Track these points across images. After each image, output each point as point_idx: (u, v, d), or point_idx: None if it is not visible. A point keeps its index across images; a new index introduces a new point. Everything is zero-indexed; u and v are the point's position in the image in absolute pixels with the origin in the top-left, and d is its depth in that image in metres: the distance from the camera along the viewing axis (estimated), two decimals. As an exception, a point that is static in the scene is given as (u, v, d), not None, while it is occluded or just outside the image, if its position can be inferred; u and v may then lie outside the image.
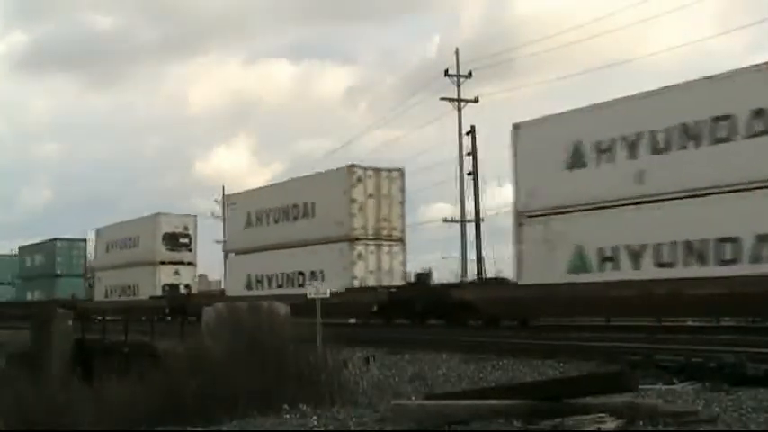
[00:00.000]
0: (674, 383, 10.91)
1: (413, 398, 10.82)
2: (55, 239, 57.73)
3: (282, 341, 12.63)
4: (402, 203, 30.30)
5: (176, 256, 43.92)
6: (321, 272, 28.48)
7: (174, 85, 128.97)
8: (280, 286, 31.95)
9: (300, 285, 28.02)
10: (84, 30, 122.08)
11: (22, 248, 64.02)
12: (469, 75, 40.45)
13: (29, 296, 59.80)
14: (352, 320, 29.86)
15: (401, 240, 30.27)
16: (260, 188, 36.82)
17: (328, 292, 18.05)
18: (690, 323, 21.77)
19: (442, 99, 40.14)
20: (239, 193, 37.38)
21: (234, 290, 34.78)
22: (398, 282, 29.41)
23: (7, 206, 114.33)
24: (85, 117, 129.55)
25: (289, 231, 32.03)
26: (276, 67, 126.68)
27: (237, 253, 36.25)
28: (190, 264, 44.69)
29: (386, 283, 29.03)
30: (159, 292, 42.22)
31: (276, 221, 33.03)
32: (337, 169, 30.18)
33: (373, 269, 29.23)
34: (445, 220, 39.95)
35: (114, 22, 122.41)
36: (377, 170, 29.74)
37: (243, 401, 10.95)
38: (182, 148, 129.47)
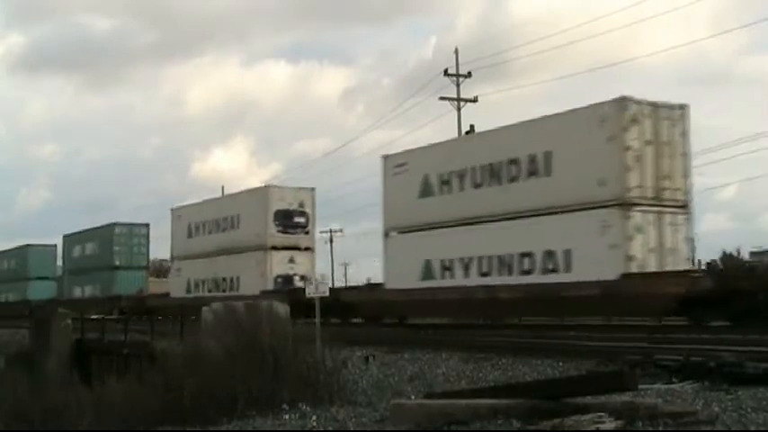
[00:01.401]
0: (673, 383, 10.90)
1: (412, 397, 10.81)
2: (113, 224, 50.21)
3: (281, 341, 12.61)
4: (686, 155, 21.16)
5: (291, 239, 34.09)
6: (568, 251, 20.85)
7: (171, 86, 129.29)
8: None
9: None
10: (82, 32, 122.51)
11: (67, 237, 56.44)
12: (469, 74, 40.56)
13: (77, 293, 52.27)
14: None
15: (686, 207, 21.11)
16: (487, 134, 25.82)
17: (327, 291, 17.85)
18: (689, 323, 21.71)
19: (442, 98, 40.20)
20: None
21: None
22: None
23: (6, 207, 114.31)
24: (84, 118, 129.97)
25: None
26: (274, 68, 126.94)
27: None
28: (308, 249, 34.77)
29: (669, 267, 20.30)
30: (271, 286, 32.85)
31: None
32: (602, 103, 20.64)
33: (654, 246, 20.35)
34: None
35: (112, 24, 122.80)
36: (654, 106, 20.84)
37: (242, 402, 10.94)
38: (180, 149, 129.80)
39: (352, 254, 78.94)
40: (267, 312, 13.54)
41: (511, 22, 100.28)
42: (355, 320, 28.11)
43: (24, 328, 31.66)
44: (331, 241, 67.43)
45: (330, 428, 9.07)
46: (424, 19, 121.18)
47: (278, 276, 33.45)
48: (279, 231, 33.82)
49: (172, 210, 41.21)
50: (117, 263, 48.79)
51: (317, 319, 16.25)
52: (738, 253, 33.73)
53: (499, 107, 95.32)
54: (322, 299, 24.87)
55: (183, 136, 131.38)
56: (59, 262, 58.95)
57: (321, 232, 57.21)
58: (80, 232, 54.60)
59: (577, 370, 12.90)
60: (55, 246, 60.73)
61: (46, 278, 59.63)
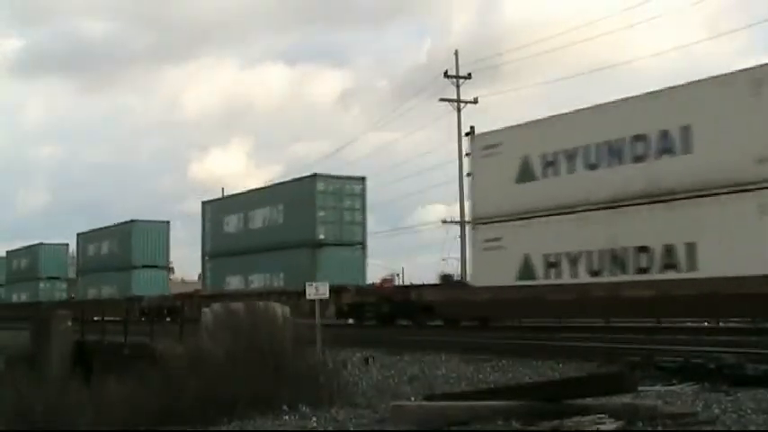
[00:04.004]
0: (673, 384, 10.90)
1: (412, 399, 10.81)
2: (132, 221, 47.73)
3: (281, 342, 12.62)
4: None
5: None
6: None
7: (169, 88, 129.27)
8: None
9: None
10: (79, 35, 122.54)
11: (81, 235, 54.01)
12: (469, 76, 40.54)
13: (90, 293, 50.20)
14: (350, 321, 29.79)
15: None
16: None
17: (327, 292, 17.85)
18: (689, 324, 21.76)
19: (442, 100, 40.22)
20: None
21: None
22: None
23: (4, 208, 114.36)
24: (82, 120, 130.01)
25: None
26: (271, 70, 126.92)
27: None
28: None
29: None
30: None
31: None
32: (760, 66, 17.51)
33: None
34: (444, 222, 39.82)
35: (109, 28, 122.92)
36: None
37: (242, 402, 10.94)
38: (178, 150, 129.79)
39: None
40: (266, 313, 13.55)
41: (505, 25, 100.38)
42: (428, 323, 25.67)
43: (25, 330, 31.66)
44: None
45: (330, 429, 9.08)
46: (419, 22, 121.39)
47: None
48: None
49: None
50: (136, 262, 46.32)
51: (317, 320, 16.25)
52: None
53: (496, 109, 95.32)
54: (389, 298, 24.60)
55: (180, 138, 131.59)
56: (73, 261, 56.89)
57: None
58: (97, 231, 52.01)
59: (577, 371, 12.89)
60: (67, 245, 59.14)
61: (57, 278, 58.46)
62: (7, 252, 66.95)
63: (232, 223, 38.06)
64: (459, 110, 39.98)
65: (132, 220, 47.85)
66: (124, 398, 13.62)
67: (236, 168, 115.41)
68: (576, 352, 15.01)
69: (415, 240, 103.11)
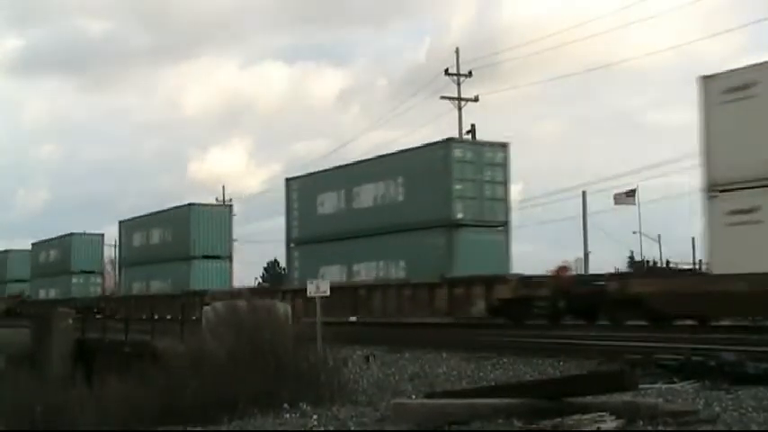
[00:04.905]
0: (674, 382, 10.90)
1: (413, 397, 10.81)
2: (190, 204, 42.02)
3: (282, 340, 12.63)
4: None
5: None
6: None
7: (168, 87, 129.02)
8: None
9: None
10: (78, 34, 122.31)
11: (124, 223, 48.34)
12: (470, 74, 40.54)
13: (135, 288, 45.09)
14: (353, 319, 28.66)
15: None
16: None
17: (328, 290, 17.73)
18: (689, 323, 21.73)
19: (443, 98, 40.24)
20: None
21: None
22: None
23: (5, 207, 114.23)
24: (82, 119, 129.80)
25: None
26: (271, 69, 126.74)
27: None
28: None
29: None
30: None
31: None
32: None
33: None
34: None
35: (108, 27, 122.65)
36: None
37: (243, 401, 10.95)
38: (178, 149, 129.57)
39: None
40: (268, 312, 13.56)
41: (504, 23, 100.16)
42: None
43: (25, 328, 31.67)
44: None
45: (331, 428, 9.07)
46: (418, 21, 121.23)
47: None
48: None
49: None
50: (194, 253, 40.25)
51: (318, 318, 16.22)
52: None
53: (494, 107, 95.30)
54: (567, 291, 20.11)
55: (180, 137, 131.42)
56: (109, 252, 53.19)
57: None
58: (140, 217, 46.34)
59: (578, 369, 12.89)
60: (102, 235, 54.28)
61: (92, 272, 53.80)
62: (32, 244, 61.37)
63: (330, 202, 31.33)
64: (459, 108, 40.01)
65: (191, 204, 42.27)
66: (125, 397, 13.63)
67: (237, 167, 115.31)
68: (576, 350, 14.99)
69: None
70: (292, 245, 33.38)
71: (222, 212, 43.11)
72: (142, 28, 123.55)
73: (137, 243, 45.88)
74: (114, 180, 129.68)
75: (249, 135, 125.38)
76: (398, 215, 27.56)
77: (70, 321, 28.40)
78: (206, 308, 19.22)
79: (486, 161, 26.72)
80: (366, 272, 29.18)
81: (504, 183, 27.10)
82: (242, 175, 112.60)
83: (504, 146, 27.42)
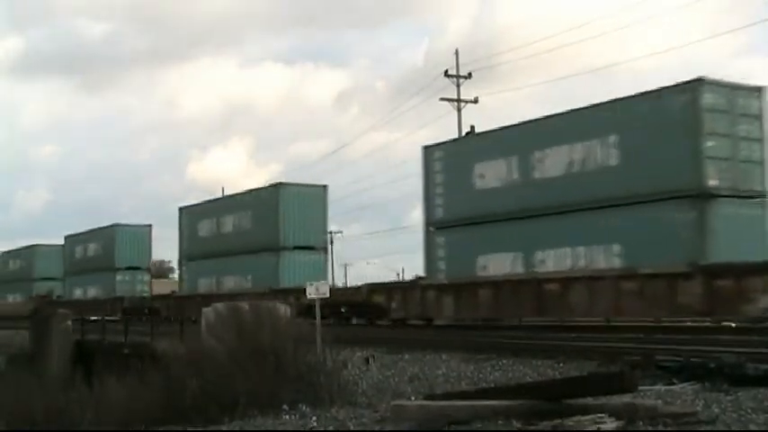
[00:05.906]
0: (673, 384, 10.91)
1: (413, 398, 10.82)
2: (279, 183, 35.80)
3: (282, 341, 12.62)
4: None
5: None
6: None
7: (168, 88, 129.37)
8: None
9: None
10: (78, 35, 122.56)
11: (184, 209, 41.47)
12: (469, 75, 40.58)
13: (202, 285, 38.87)
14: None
15: None
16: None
17: (327, 291, 17.75)
18: (689, 323, 21.73)
19: (443, 99, 40.29)
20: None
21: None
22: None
23: (4, 208, 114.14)
24: (81, 120, 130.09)
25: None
26: (270, 70, 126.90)
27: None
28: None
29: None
30: None
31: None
32: None
33: None
34: None
35: (107, 28, 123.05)
36: None
37: (243, 402, 10.95)
38: (178, 150, 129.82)
39: (350, 256, 79.18)
40: (269, 313, 13.56)
41: (502, 25, 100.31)
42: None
43: (24, 329, 31.65)
44: (331, 243, 67.49)
45: (330, 429, 9.08)
46: (416, 22, 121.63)
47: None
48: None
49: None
50: (285, 243, 33.90)
51: (318, 320, 16.22)
52: None
53: (494, 109, 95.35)
54: None
55: (180, 138, 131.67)
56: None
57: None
58: (208, 202, 40.51)
59: (578, 371, 12.90)
60: (150, 226, 48.41)
61: (138, 268, 48.68)
62: (66, 238, 55.77)
63: (495, 172, 25.19)
64: (459, 109, 40.00)
65: (279, 183, 35.79)
66: (124, 397, 13.63)
67: (236, 168, 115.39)
68: (576, 351, 15.00)
69: (414, 240, 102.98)
70: (432, 228, 27.42)
71: (317, 193, 35.29)
72: (142, 29, 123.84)
73: (204, 233, 39.27)
74: (114, 180, 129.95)
75: (248, 136, 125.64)
76: (610, 185, 21.76)
77: (69, 323, 28.37)
78: (205, 309, 19.21)
79: (738, 110, 20.90)
80: (555, 261, 23.30)
81: (761, 140, 21.14)
82: (241, 175, 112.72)
83: (759, 90, 21.34)
